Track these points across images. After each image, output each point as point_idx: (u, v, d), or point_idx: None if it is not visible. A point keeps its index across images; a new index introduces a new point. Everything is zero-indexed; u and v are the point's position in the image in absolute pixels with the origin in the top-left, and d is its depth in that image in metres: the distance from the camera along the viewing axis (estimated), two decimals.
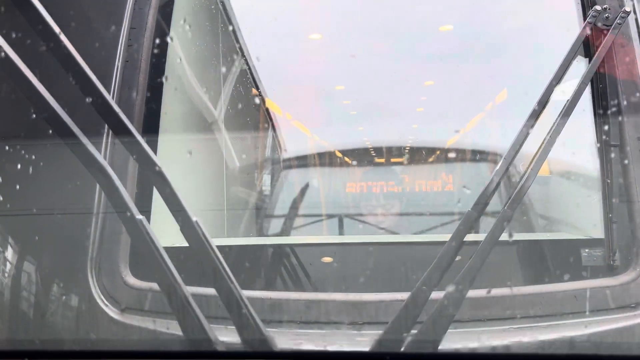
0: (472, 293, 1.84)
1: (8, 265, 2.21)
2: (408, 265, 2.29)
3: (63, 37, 1.16)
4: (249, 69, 3.78)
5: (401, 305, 1.70)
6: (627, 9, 2.10)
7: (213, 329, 1.41)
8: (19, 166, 2.10)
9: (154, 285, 1.78)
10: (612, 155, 2.09)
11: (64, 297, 2.11)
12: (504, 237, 1.88)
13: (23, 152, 2.11)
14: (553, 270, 2.24)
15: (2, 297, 2.21)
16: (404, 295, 1.75)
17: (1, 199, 2.22)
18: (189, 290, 1.44)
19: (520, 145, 1.95)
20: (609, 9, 2.11)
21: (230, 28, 3.44)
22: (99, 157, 1.25)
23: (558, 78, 2.00)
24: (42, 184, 2.14)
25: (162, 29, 2.44)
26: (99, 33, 2.34)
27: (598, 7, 2.12)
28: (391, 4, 3.65)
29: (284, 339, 1.73)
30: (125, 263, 2.13)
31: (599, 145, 2.16)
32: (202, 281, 1.59)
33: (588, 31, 2.10)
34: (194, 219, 1.37)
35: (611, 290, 1.93)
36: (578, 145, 2.33)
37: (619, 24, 2.07)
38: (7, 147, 2.15)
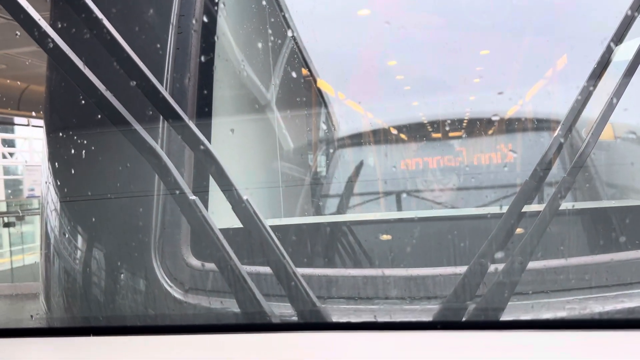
0: (533, 264, 1.79)
1: (77, 249, 2.33)
2: (467, 239, 2.25)
3: (107, 23, 1.19)
4: (299, 49, 3.78)
5: (459, 279, 1.67)
6: None
7: (269, 305, 1.44)
8: (84, 154, 2.19)
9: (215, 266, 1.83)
10: None
11: (129, 280, 2.20)
12: (566, 206, 1.80)
13: (89, 140, 2.20)
14: (620, 238, 2.14)
15: (72, 279, 2.34)
16: (463, 269, 1.72)
17: (69, 186, 2.33)
18: (245, 269, 1.47)
19: (580, 110, 1.86)
20: None
21: (278, 8, 3.44)
22: (150, 140, 1.29)
23: (619, 36, 1.89)
24: (106, 171, 2.24)
25: (211, 14, 2.47)
26: (151, 23, 2.40)
27: None
28: None
29: (340, 314, 1.74)
30: (187, 245, 2.19)
31: None
32: (255, 258, 1.62)
33: None
34: (244, 197, 1.39)
35: None
36: None
37: None
38: (75, 137, 2.25)
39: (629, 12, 1.86)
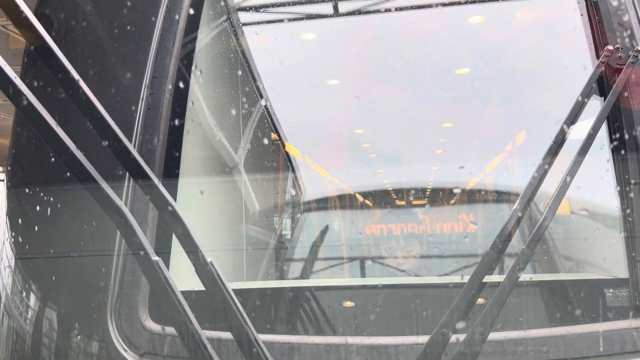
0: (493, 335, 1.81)
1: (29, 309, 2.24)
2: (429, 307, 2.26)
3: (83, 85, 1.21)
4: (269, 114, 3.86)
5: (421, 349, 1.67)
6: None
7: None
8: (45, 210, 2.15)
9: (173, 330, 1.79)
10: (632, 193, 2.06)
11: (83, 342, 2.12)
12: (525, 277, 1.84)
13: (51, 197, 2.17)
14: (577, 311, 2.19)
15: (21, 340, 2.23)
16: (425, 339, 1.72)
17: (27, 243, 2.27)
18: (206, 334, 1.45)
19: (538, 185, 1.94)
20: (622, 48, 2.13)
21: (250, 76, 3.53)
22: (116, 199, 1.28)
23: (572, 117, 2.01)
24: (64, 228, 2.19)
25: (183, 78, 2.52)
26: (123, 82, 2.43)
27: (610, 47, 2.13)
28: (408, 49, 3.72)
29: None
30: (145, 307, 2.14)
31: (618, 183, 2.13)
32: (218, 323, 1.59)
33: (601, 70, 2.11)
34: (208, 259, 1.38)
35: (638, 332, 1.87)
36: (597, 183, 2.31)
37: (632, 62, 2.08)
38: (41, 193, 2.21)
39: (580, 98, 1.98)
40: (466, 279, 1.85)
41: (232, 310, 1.39)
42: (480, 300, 1.85)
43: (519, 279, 1.81)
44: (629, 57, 2.10)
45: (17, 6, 1.22)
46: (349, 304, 2.44)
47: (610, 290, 2.08)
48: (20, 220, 2.29)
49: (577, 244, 2.92)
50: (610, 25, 2.21)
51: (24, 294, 2.27)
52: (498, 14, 3.45)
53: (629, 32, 2.17)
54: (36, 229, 2.18)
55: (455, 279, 2.71)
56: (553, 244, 3.01)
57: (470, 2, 3.28)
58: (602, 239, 2.48)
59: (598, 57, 2.20)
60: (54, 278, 2.21)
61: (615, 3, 2.21)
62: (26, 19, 1.24)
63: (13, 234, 2.30)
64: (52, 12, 2.57)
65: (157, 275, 1.37)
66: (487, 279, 1.85)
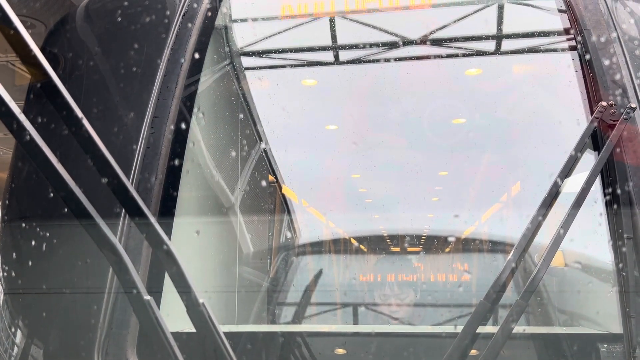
0: None
1: (14, 345, 2.20)
2: (421, 357, 2.22)
3: (86, 123, 1.23)
4: (267, 157, 3.89)
5: None
6: (633, 105, 2.16)
7: None
8: (40, 246, 2.14)
9: None
10: (626, 247, 2.07)
11: None
12: (518, 329, 1.83)
13: (42, 231, 2.16)
14: None
15: None
16: None
17: (16, 277, 2.25)
18: None
19: (532, 236, 1.95)
20: (615, 104, 2.18)
21: (250, 119, 3.58)
22: (111, 237, 1.28)
23: (567, 171, 2.04)
24: (57, 265, 2.18)
25: (184, 119, 2.56)
26: (124, 121, 2.46)
27: (604, 103, 2.18)
28: (406, 98, 3.80)
29: None
30: (133, 348, 2.11)
31: (611, 237, 2.14)
32: None
33: (595, 125, 2.16)
34: (200, 300, 1.37)
35: None
36: (591, 236, 2.31)
37: (625, 119, 2.12)
38: (26, 226, 2.21)
39: (574, 153, 2.02)
40: (459, 329, 1.84)
41: (222, 353, 1.37)
42: (473, 352, 1.82)
43: (513, 331, 1.79)
44: (622, 114, 2.15)
45: (26, 44, 1.25)
46: (340, 351, 2.40)
47: (605, 346, 2.06)
48: (13, 254, 2.28)
49: (571, 296, 2.91)
50: (604, 83, 2.27)
51: (12, 329, 2.24)
52: (495, 67, 3.53)
53: (621, 89, 2.22)
54: (30, 264, 2.17)
55: (448, 328, 2.68)
56: (547, 295, 2.99)
57: (467, 55, 3.36)
58: (595, 293, 2.47)
59: (592, 112, 2.25)
60: (44, 314, 2.18)
61: (607, 62, 2.28)
62: (34, 56, 1.27)
63: (6, 268, 2.28)
64: (59, 50, 2.63)
65: (148, 314, 1.36)
66: (481, 329, 1.84)
